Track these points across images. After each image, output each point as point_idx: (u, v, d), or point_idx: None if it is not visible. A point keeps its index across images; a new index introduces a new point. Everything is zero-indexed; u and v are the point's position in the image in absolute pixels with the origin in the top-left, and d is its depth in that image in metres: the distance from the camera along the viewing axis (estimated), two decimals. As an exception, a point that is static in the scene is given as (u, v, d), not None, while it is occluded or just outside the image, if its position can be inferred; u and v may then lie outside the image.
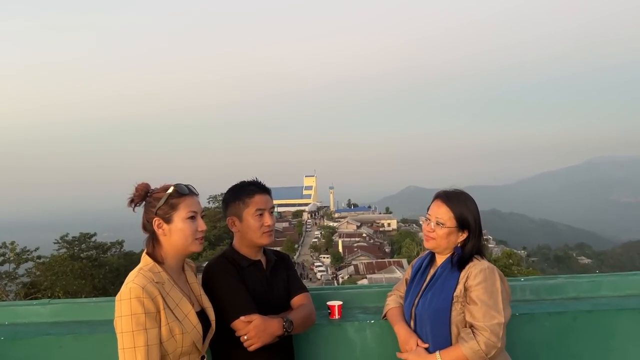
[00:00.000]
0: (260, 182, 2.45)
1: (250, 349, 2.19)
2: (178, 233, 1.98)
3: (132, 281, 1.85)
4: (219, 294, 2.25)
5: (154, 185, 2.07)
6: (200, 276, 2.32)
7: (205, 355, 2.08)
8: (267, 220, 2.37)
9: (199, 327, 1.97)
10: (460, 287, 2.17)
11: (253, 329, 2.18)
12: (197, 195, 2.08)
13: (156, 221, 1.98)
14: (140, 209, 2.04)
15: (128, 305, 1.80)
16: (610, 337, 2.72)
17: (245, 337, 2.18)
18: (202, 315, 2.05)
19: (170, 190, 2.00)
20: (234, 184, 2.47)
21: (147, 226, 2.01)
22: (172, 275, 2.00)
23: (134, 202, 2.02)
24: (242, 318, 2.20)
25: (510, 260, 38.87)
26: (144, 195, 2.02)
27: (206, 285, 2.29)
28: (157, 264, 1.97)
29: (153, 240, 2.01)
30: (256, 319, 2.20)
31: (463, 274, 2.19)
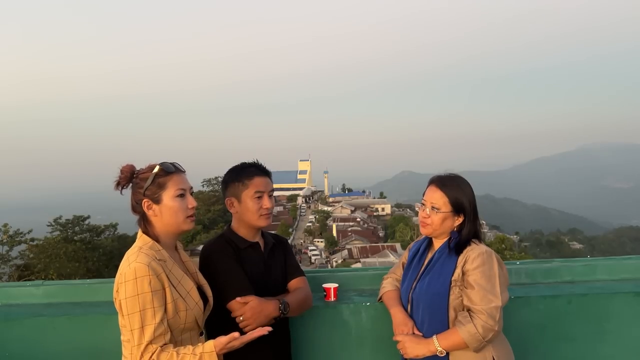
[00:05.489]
0: (261, 164, 2.42)
1: (246, 330, 2.19)
2: (168, 212, 1.96)
3: (136, 260, 1.83)
4: (216, 274, 2.24)
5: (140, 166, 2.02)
6: (197, 259, 2.31)
7: (204, 331, 2.09)
8: (266, 203, 2.35)
9: (201, 303, 1.99)
10: (458, 271, 2.16)
11: (249, 310, 2.18)
12: (184, 172, 2.03)
13: (145, 202, 1.95)
14: (128, 192, 2.00)
15: (134, 286, 1.78)
16: (604, 320, 2.74)
17: (241, 318, 2.19)
18: (199, 291, 2.05)
19: (156, 169, 1.96)
20: (234, 165, 2.43)
21: (136, 208, 1.99)
22: (169, 253, 2.00)
23: (120, 184, 1.97)
24: (238, 299, 2.21)
25: (503, 245, 39.31)
26: (130, 177, 1.98)
27: (203, 266, 2.28)
28: (156, 242, 1.95)
29: (144, 221, 1.99)
30: (252, 300, 2.20)
31: (461, 258, 2.18)
